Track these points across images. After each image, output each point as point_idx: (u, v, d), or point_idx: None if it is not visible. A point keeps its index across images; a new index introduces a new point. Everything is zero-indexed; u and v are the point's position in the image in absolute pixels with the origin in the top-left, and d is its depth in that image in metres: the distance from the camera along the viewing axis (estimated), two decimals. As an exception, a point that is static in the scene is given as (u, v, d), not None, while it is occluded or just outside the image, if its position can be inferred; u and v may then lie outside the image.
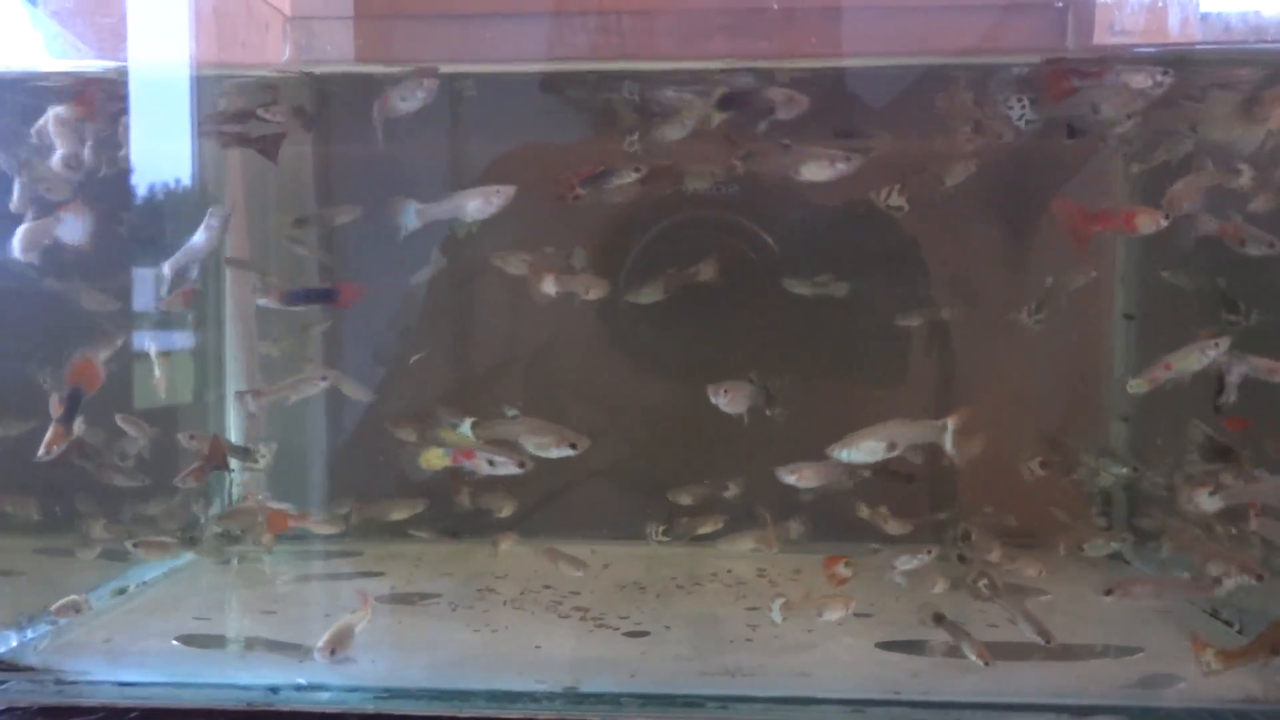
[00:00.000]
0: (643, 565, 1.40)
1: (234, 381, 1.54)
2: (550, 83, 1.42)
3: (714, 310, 1.43)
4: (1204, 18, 1.28)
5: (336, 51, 1.58)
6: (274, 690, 0.94)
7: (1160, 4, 1.34)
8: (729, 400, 1.18)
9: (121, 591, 1.23)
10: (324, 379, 1.29)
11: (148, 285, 1.36)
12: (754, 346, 1.47)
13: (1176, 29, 1.31)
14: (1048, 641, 1.03)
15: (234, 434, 1.54)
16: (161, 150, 1.37)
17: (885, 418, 1.31)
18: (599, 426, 1.45)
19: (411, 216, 1.20)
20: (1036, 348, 1.38)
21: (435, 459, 1.13)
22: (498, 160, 1.50)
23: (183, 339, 1.48)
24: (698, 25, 1.33)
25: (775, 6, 1.11)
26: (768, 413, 1.25)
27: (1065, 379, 1.47)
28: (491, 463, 1.09)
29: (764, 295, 1.43)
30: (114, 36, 1.16)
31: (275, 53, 1.57)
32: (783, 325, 1.45)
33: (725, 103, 1.23)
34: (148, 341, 1.36)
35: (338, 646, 0.97)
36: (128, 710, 0.93)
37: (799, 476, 1.14)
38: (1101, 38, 1.43)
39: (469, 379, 1.55)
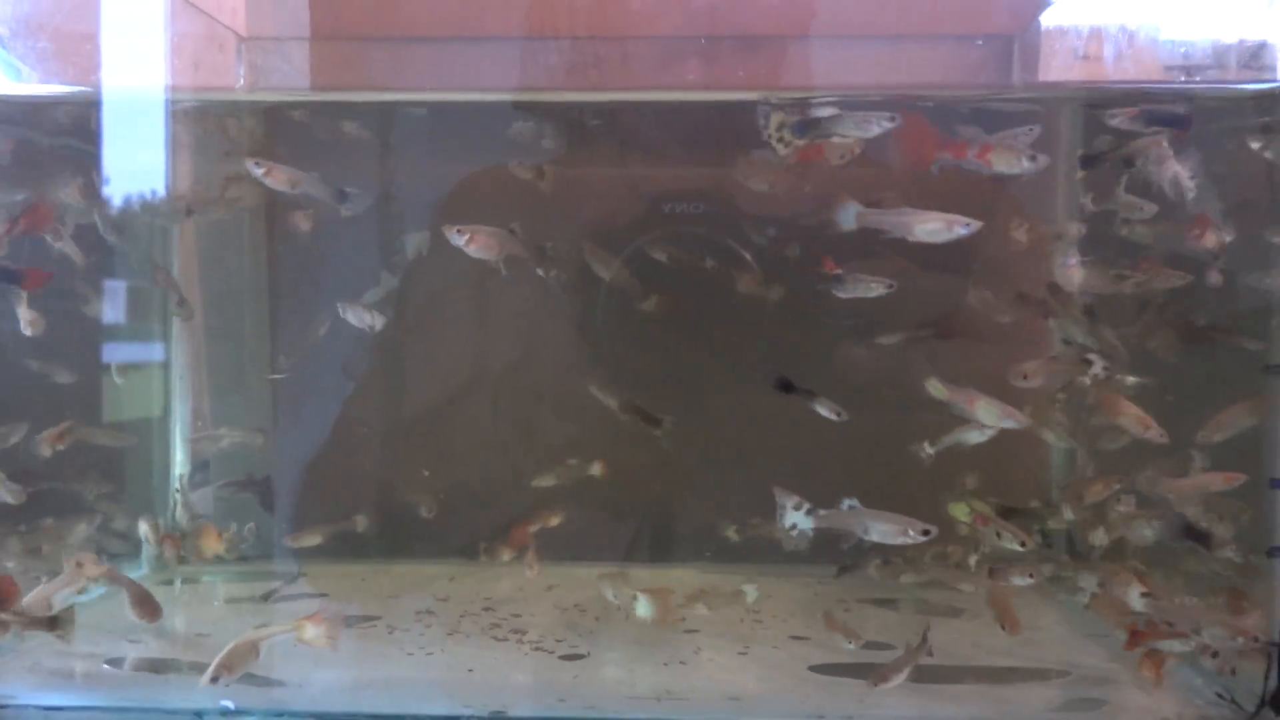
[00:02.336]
0: (588, 588, 1.41)
1: (180, 400, 1.54)
2: (522, 106, 1.43)
3: (692, 327, 1.45)
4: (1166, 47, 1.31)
5: (293, 73, 1.58)
6: (199, 715, 0.94)
7: (1093, 35, 1.38)
8: (473, 244, 1.16)
9: (56, 614, 1.22)
10: None
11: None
12: (732, 363, 1.48)
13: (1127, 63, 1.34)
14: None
15: (179, 453, 1.54)
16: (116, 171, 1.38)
17: (858, 435, 1.34)
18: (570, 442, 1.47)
19: (850, 218, 1.14)
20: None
21: (960, 512, 1.21)
22: (461, 184, 1.52)
23: (130, 354, 1.48)
24: (671, 52, 1.35)
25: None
26: (540, 273, 1.24)
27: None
28: (999, 535, 1.12)
29: (741, 311, 1.44)
30: (56, 59, 1.17)
31: (230, 74, 1.57)
32: (757, 341, 1.46)
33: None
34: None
35: (223, 673, 0.92)
36: (51, 735, 0.93)
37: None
38: (1054, 67, 1.47)
39: (439, 395, 1.55)
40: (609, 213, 1.49)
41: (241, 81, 1.58)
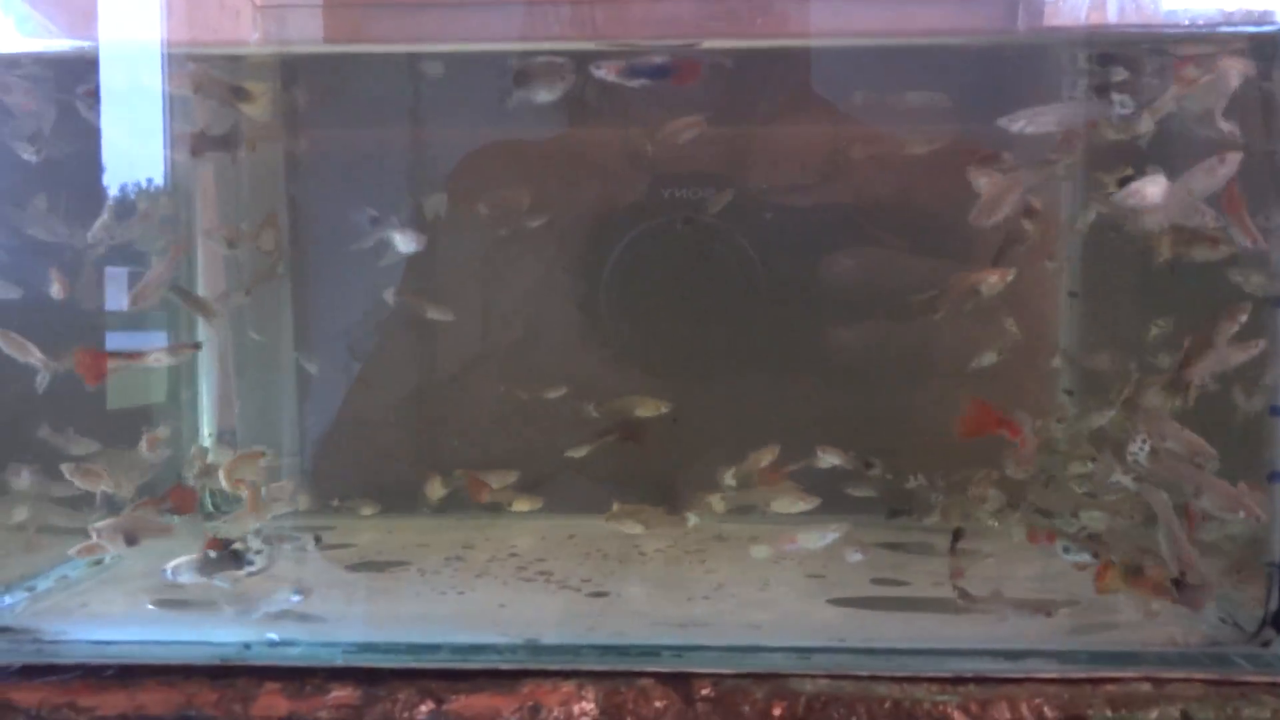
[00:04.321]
0: (608, 537, 1.45)
1: (207, 381, 1.57)
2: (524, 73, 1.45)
3: (694, 307, 1.49)
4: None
5: (306, 41, 1.61)
6: (247, 646, 0.98)
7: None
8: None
9: (98, 562, 1.26)
10: None
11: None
12: (732, 343, 1.51)
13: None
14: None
15: (207, 428, 1.57)
16: (131, 136, 1.40)
17: (858, 410, 1.38)
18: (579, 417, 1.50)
19: None
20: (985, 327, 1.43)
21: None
22: (471, 153, 1.54)
23: (155, 340, 1.50)
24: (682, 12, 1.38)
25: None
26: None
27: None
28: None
29: (742, 294, 1.48)
30: (85, 17, 1.19)
31: (245, 40, 1.59)
32: (759, 322, 1.49)
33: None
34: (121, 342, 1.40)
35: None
36: (104, 667, 0.96)
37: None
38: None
39: (447, 371, 1.59)
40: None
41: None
